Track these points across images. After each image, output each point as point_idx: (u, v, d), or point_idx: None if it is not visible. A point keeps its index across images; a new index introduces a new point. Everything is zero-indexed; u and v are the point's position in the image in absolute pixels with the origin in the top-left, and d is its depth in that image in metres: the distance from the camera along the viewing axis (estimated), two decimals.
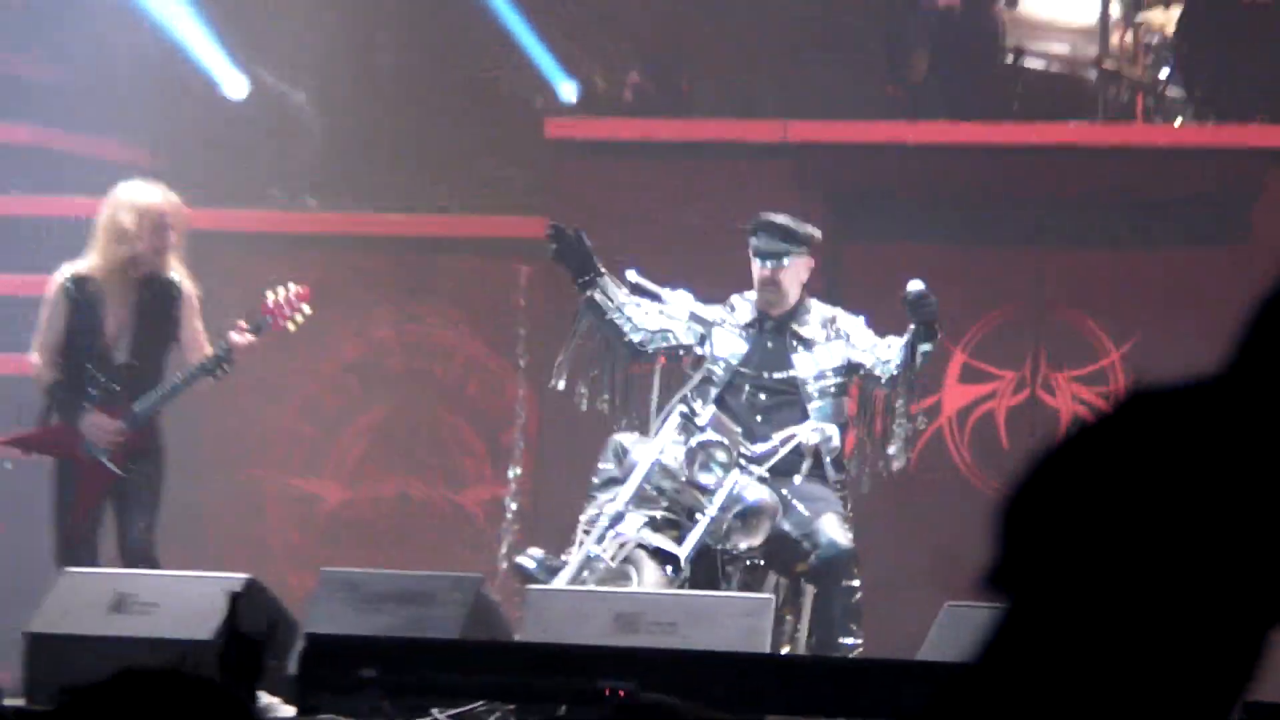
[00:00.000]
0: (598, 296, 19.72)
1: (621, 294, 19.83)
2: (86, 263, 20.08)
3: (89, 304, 19.96)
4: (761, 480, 18.44)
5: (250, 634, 15.75)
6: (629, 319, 19.75)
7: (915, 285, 18.56)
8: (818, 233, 19.68)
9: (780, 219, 19.61)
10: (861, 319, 19.33)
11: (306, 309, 20.51)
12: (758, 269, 19.39)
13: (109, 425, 19.72)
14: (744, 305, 19.66)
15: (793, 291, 19.56)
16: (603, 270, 19.72)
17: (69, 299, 19.97)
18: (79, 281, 20.00)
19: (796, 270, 19.35)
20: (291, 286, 20.65)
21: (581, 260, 19.85)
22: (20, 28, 26.80)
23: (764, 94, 24.16)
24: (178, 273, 19.94)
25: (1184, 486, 3.21)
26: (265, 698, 16.13)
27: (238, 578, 17.40)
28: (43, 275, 20.66)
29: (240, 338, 19.82)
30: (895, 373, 19.35)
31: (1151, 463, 3.43)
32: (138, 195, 20.17)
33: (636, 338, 19.77)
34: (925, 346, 19.07)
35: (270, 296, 20.43)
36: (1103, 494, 3.39)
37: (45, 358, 19.91)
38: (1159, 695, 3.02)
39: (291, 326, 20.58)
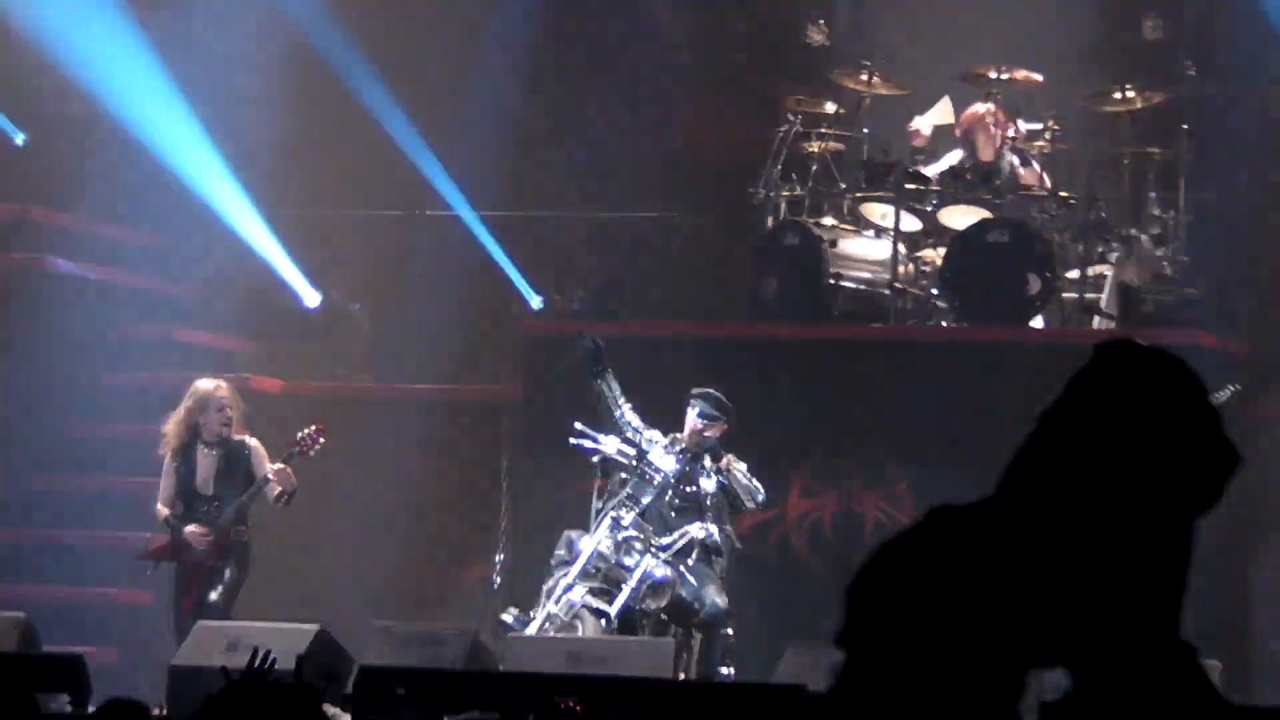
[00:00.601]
0: (604, 383, 21.78)
1: (618, 389, 21.91)
2: (174, 433, 22.19)
3: (188, 465, 21.88)
4: (666, 563, 20.86)
5: (312, 679, 20.05)
6: (620, 407, 21.76)
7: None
8: (732, 409, 21.59)
9: (717, 395, 21.74)
10: (744, 465, 21.51)
11: (322, 440, 22.20)
12: (695, 422, 21.49)
13: (202, 533, 21.54)
14: (677, 441, 21.60)
15: (711, 439, 21.53)
16: (609, 368, 21.78)
17: (175, 466, 22.00)
18: (178, 451, 22.04)
19: (718, 428, 21.37)
20: (313, 426, 22.33)
21: (598, 357, 21.78)
22: (159, 256, 28.75)
23: (670, 305, 26.01)
24: (241, 435, 22.21)
25: (967, 579, 4.45)
26: (330, 709, 17.50)
27: (312, 628, 19.83)
28: None
29: (273, 466, 21.67)
30: (760, 500, 21.78)
31: (944, 561, 4.73)
32: (199, 385, 22.41)
33: (621, 418, 21.71)
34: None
35: (299, 433, 22.15)
36: (914, 581, 4.65)
37: (164, 502, 21.92)
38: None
39: (312, 453, 22.21)
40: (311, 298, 27.57)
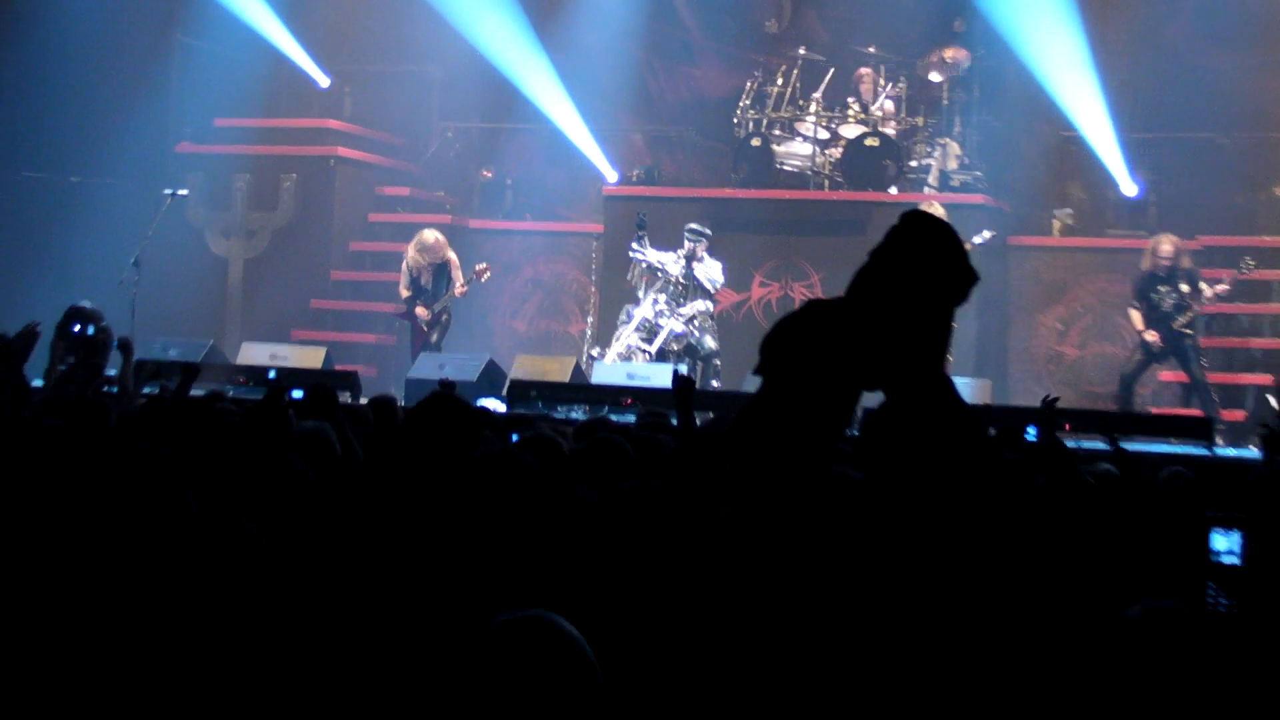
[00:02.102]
0: (643, 235, 21.89)
1: (647, 241, 21.98)
2: (411, 255, 22.64)
3: (416, 271, 22.34)
4: (683, 323, 21.48)
5: (482, 385, 19.74)
6: (646, 248, 21.65)
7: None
8: (708, 233, 21.76)
9: (700, 227, 21.96)
10: (720, 264, 21.83)
11: (488, 273, 22.62)
12: (693, 245, 21.68)
13: (423, 311, 22.14)
14: (681, 254, 21.67)
15: (701, 251, 21.67)
16: (645, 229, 21.82)
17: (409, 271, 22.57)
18: (412, 264, 22.67)
19: (702, 245, 21.52)
20: (483, 264, 22.62)
21: (642, 224, 22.02)
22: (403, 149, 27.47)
23: (685, 180, 25.63)
24: (446, 254, 22.56)
25: (827, 337, 4.39)
26: (493, 402, 18.37)
27: (485, 355, 20.89)
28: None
29: (460, 283, 22.43)
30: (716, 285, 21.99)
31: (815, 326, 4.65)
32: (424, 233, 22.73)
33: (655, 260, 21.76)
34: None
35: (476, 266, 22.49)
36: (798, 337, 4.63)
37: (404, 288, 22.49)
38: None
39: (484, 279, 22.56)
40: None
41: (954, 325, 4.44)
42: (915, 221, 6.54)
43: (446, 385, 14.33)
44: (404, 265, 22.68)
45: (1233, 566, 5.42)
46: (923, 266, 5.65)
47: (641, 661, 4.59)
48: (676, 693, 4.31)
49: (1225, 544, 5.47)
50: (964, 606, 4.27)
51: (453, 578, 5.42)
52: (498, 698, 3.80)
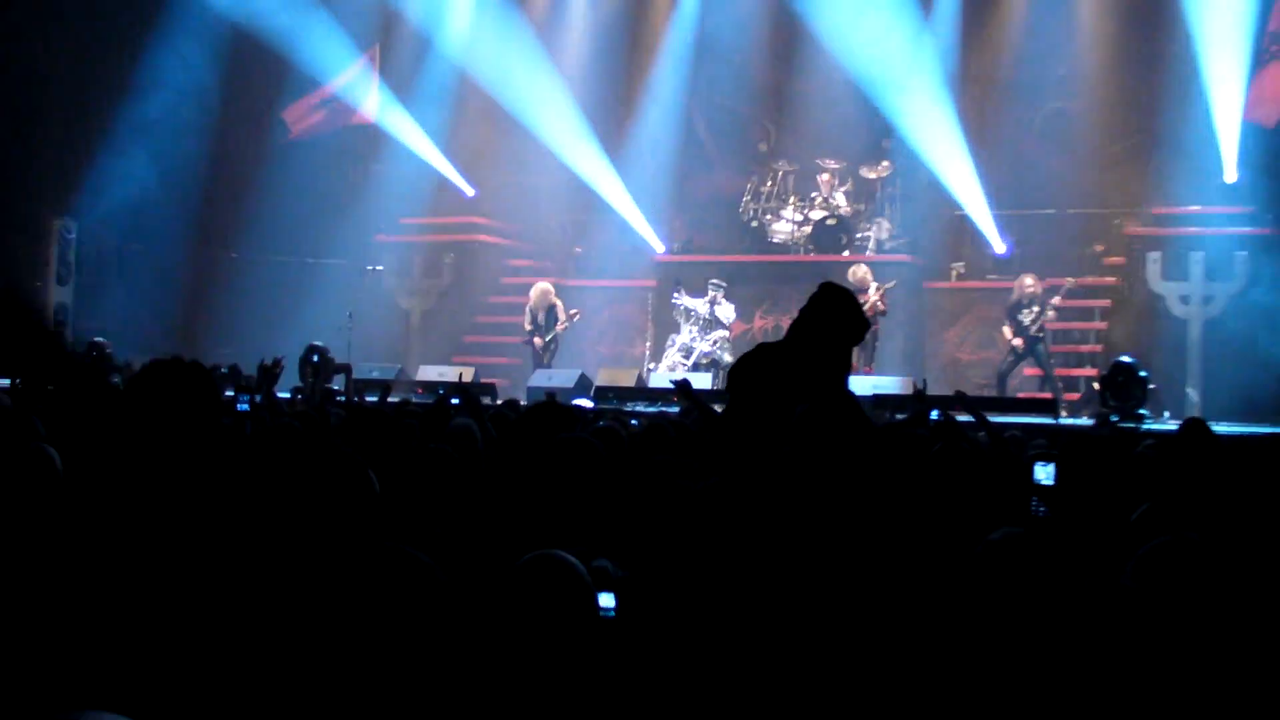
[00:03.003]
0: (681, 291, 21.70)
1: (684, 292, 21.67)
2: (532, 301, 22.12)
3: (534, 312, 21.95)
4: (710, 345, 21.40)
5: (581, 391, 19.27)
6: (682, 297, 21.62)
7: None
8: (723, 285, 21.79)
9: (718, 280, 21.74)
10: (732, 305, 21.73)
11: (578, 318, 22.03)
12: (714, 293, 21.68)
13: (539, 340, 21.82)
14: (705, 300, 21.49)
15: (720, 298, 21.66)
16: (681, 284, 21.69)
17: (530, 313, 22.02)
18: (533, 308, 22.05)
19: (722, 293, 21.61)
20: (575, 310, 22.08)
21: (678, 284, 21.86)
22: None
23: (709, 249, 24.50)
24: (551, 299, 21.89)
25: (772, 368, 4.01)
26: (587, 402, 17.43)
27: (576, 371, 20.05)
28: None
29: (562, 321, 21.92)
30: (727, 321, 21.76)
31: (764, 361, 4.44)
32: (538, 285, 22.27)
33: (689, 304, 21.77)
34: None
35: (570, 311, 21.98)
36: (751, 368, 4.58)
37: (527, 324, 22.01)
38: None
39: (576, 320, 22.03)
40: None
41: (854, 357, 4.30)
42: (826, 290, 6.73)
43: (550, 394, 14.84)
44: (526, 309, 22.49)
45: (1049, 486, 5.45)
46: (830, 320, 5.98)
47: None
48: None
49: (1044, 473, 5.49)
50: (875, 537, 4.24)
51: (544, 531, 5.09)
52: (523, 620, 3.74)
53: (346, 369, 18.02)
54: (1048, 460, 5.57)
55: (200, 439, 4.00)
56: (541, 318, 22.28)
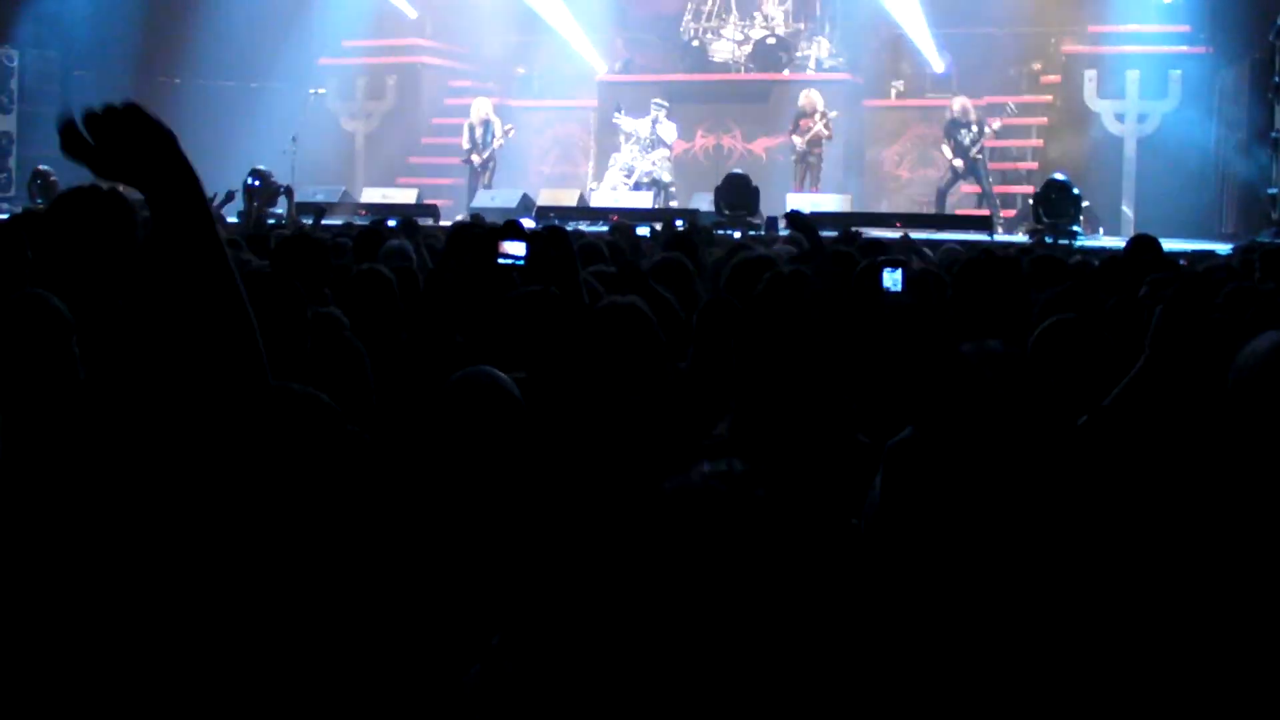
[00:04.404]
0: (622, 119, 21.64)
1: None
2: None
3: (471, 128, 21.97)
4: (650, 163, 21.66)
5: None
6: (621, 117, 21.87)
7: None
8: (667, 105, 21.87)
9: (661, 100, 21.83)
10: (674, 124, 21.64)
11: (513, 131, 22.07)
12: (656, 112, 21.63)
13: (477, 158, 21.83)
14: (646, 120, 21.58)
15: (661, 117, 21.63)
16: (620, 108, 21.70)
17: (468, 126, 22.01)
18: (469, 127, 22.04)
19: (664, 112, 21.67)
20: (510, 126, 22.13)
21: (618, 106, 21.72)
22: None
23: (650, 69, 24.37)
24: (493, 118, 21.92)
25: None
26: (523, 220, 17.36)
27: (519, 191, 20.18)
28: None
29: (499, 136, 21.94)
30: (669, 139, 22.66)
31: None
32: (475, 101, 22.28)
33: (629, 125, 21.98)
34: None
35: (505, 126, 21.96)
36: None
37: (463, 143, 22.04)
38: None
39: (510, 136, 22.04)
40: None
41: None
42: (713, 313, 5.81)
43: (476, 216, 14.92)
44: (465, 125, 22.52)
45: (896, 293, 5.25)
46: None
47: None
48: None
49: (891, 280, 5.29)
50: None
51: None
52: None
53: (288, 191, 17.95)
54: (895, 266, 5.38)
55: (116, 269, 3.76)
56: (479, 134, 22.16)
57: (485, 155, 22.08)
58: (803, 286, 5.27)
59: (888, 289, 5.23)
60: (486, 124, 22.08)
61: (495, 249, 5.36)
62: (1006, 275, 5.23)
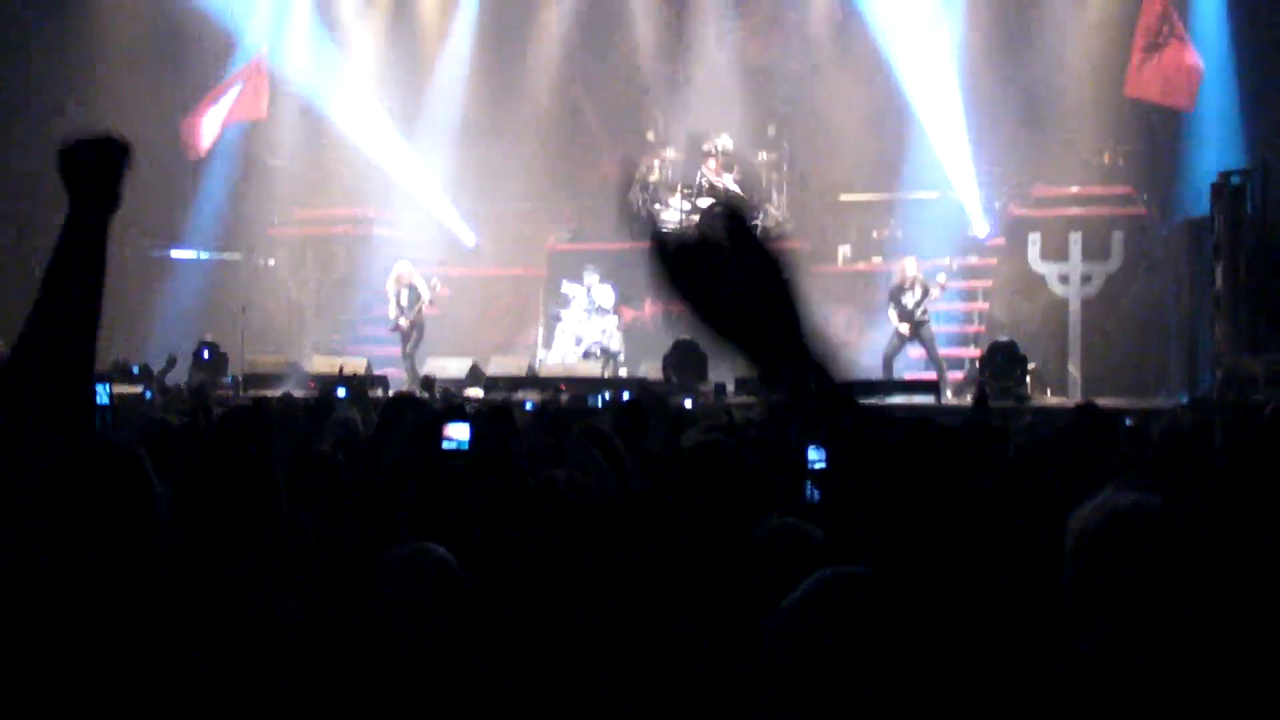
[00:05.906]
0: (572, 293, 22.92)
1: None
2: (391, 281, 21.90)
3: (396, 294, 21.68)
4: (600, 332, 22.59)
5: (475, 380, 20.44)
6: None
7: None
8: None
9: (594, 268, 22.48)
10: (610, 285, 22.02)
11: (440, 289, 21.92)
12: (589, 281, 22.12)
13: (405, 322, 21.56)
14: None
15: (593, 283, 22.39)
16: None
17: (394, 293, 21.66)
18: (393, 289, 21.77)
19: (597, 278, 22.13)
20: (434, 280, 21.94)
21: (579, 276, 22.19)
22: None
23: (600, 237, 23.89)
24: (416, 281, 21.62)
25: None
26: (475, 391, 18.12)
27: (469, 360, 20.29)
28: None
29: (425, 302, 21.54)
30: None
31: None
32: (398, 265, 21.95)
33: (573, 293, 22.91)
34: None
35: (433, 289, 21.71)
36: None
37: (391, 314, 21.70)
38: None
39: (434, 303, 21.82)
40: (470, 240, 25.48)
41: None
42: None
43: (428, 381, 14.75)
44: (389, 292, 22.22)
45: (821, 470, 5.30)
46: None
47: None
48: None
49: (815, 455, 5.37)
50: None
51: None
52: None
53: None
54: (820, 443, 5.23)
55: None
56: (404, 299, 21.88)
57: (412, 318, 21.78)
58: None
59: (811, 461, 5.29)
60: (411, 288, 21.81)
61: (438, 433, 5.30)
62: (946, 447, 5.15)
